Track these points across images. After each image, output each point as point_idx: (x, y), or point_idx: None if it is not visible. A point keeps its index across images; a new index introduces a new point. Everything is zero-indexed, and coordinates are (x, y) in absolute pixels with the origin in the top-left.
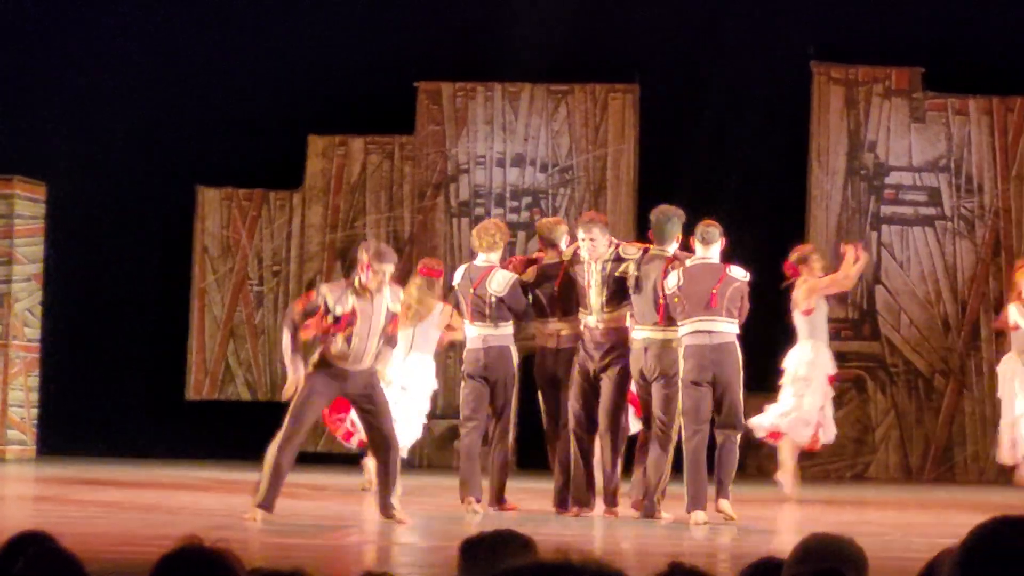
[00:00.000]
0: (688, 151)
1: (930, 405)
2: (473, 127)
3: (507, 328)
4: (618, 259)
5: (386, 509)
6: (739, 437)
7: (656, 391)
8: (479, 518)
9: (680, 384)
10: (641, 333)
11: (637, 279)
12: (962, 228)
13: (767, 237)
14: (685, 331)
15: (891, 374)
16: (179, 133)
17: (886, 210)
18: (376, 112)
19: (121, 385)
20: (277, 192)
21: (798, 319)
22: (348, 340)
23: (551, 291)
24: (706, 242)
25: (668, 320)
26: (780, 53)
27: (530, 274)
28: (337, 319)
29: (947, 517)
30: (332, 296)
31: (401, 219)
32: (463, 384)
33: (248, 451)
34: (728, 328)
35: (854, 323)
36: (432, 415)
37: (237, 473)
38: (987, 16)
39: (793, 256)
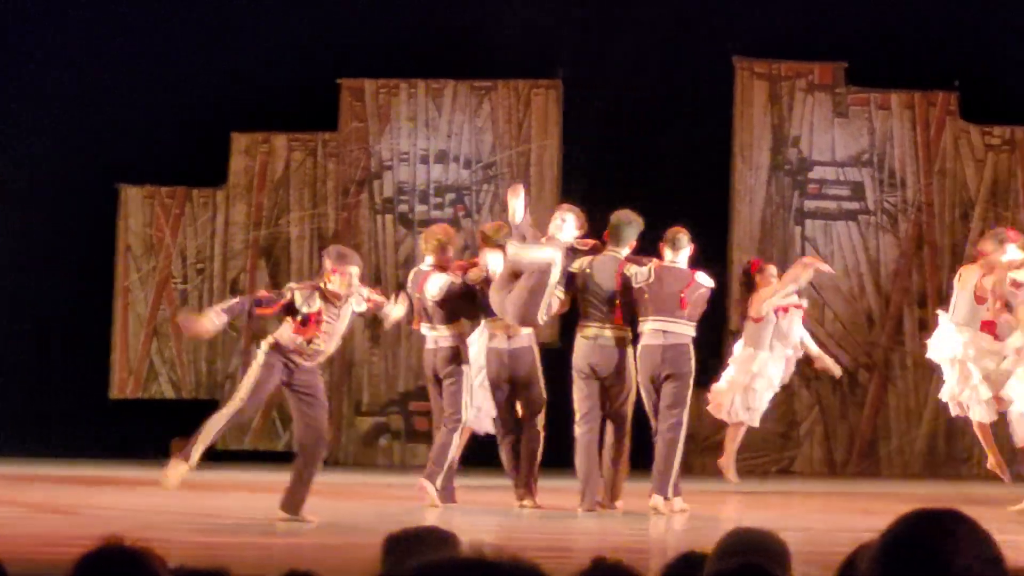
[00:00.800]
0: (611, 147)
1: (854, 399)
2: (396, 124)
3: (456, 328)
4: (573, 251)
5: (294, 507)
6: (682, 433)
7: (615, 387)
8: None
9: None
10: (591, 330)
11: (585, 276)
12: (885, 222)
13: (691, 233)
14: (646, 328)
15: (815, 369)
16: (101, 131)
17: (810, 205)
18: (299, 109)
19: (45, 385)
20: (200, 190)
21: (747, 324)
22: (309, 341)
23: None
24: (676, 248)
25: (626, 319)
26: (703, 48)
27: (475, 276)
28: (305, 319)
29: (871, 511)
30: (301, 295)
31: (325, 216)
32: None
33: (169, 449)
34: (687, 330)
35: None
36: (358, 412)
37: (161, 473)
38: (909, 10)
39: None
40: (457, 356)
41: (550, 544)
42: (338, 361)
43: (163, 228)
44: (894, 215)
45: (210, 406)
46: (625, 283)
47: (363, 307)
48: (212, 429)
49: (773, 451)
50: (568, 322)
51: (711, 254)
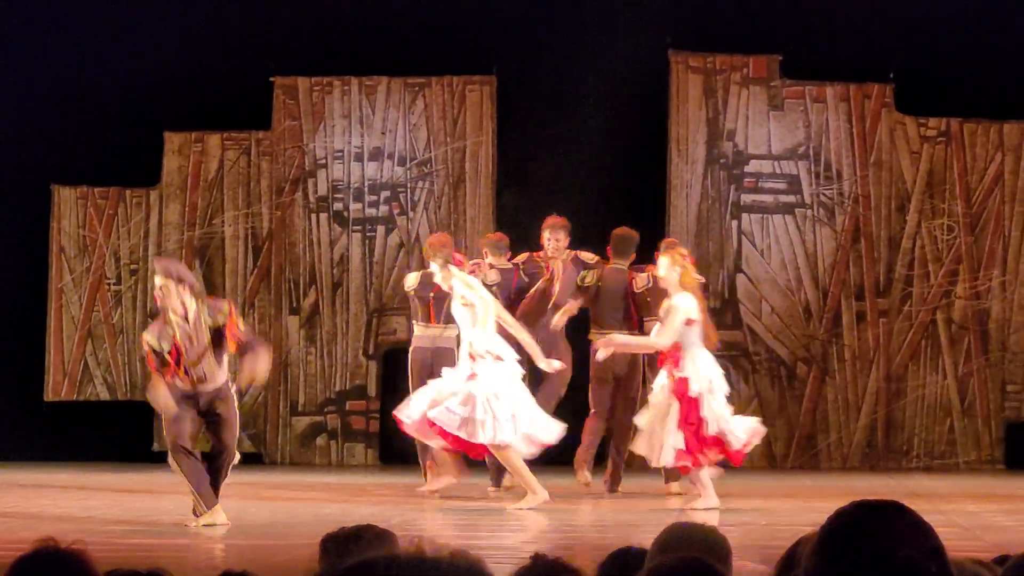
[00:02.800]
0: (547, 142)
1: (792, 393)
2: (330, 121)
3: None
4: (578, 262)
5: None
6: None
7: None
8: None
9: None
10: (602, 334)
11: (598, 287)
12: (822, 215)
13: (627, 228)
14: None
15: (753, 362)
16: (33, 132)
17: (746, 198)
18: (232, 108)
19: None
20: (134, 190)
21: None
22: (186, 371)
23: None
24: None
25: (637, 323)
26: (638, 42)
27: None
28: (165, 358)
29: (811, 504)
30: (153, 337)
31: (259, 215)
32: None
33: (109, 452)
34: None
35: (715, 311)
36: (294, 411)
37: (97, 475)
38: (843, 3)
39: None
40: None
41: (495, 542)
42: (274, 361)
43: (96, 229)
44: (831, 208)
45: (145, 408)
46: (633, 290)
47: (220, 319)
48: (184, 476)
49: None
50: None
51: (647, 249)
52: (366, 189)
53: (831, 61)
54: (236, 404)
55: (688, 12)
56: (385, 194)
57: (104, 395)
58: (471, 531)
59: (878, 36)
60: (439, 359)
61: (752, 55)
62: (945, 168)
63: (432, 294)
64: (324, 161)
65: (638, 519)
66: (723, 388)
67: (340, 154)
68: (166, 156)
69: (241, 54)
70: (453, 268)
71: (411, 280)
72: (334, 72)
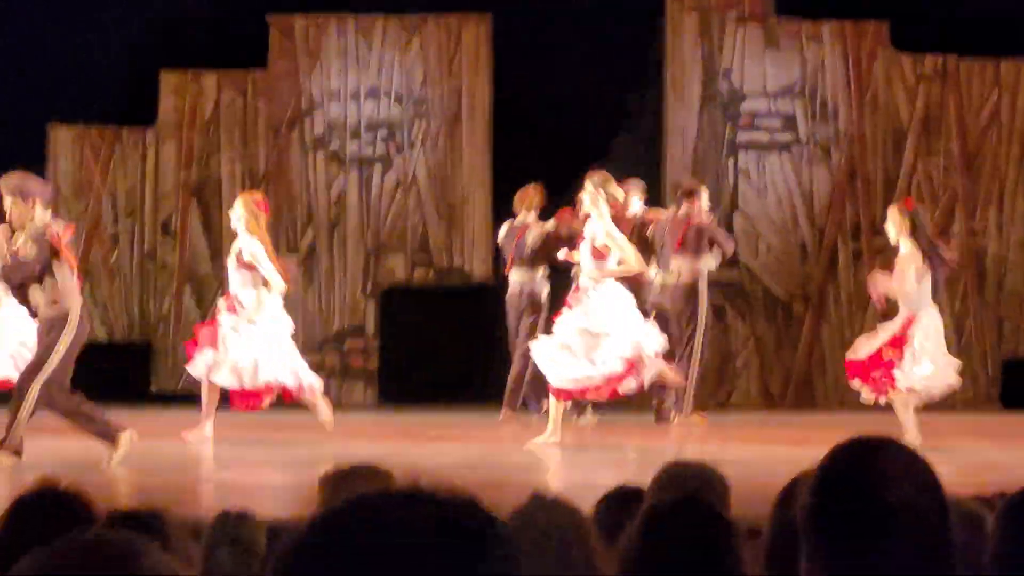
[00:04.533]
0: (542, 81)
1: (789, 332)
2: (326, 61)
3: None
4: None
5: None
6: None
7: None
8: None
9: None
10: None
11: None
12: (818, 154)
13: (624, 168)
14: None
15: (750, 301)
16: (29, 70)
17: (742, 137)
18: (228, 47)
19: None
20: (130, 129)
21: None
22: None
23: None
24: None
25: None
26: None
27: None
28: None
29: (808, 443)
30: None
31: (256, 155)
32: None
33: (104, 392)
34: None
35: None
36: None
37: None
38: None
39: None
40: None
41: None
42: None
43: (92, 170)
44: (827, 146)
45: (143, 348)
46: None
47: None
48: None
49: (710, 385)
50: None
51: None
52: (363, 128)
53: None
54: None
55: None
56: (381, 133)
57: (102, 335)
58: (476, 469)
59: None
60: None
61: None
62: (941, 107)
63: None
64: (320, 100)
65: (635, 458)
66: None
67: (336, 93)
68: (162, 96)
69: None
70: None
71: None
72: (330, 10)
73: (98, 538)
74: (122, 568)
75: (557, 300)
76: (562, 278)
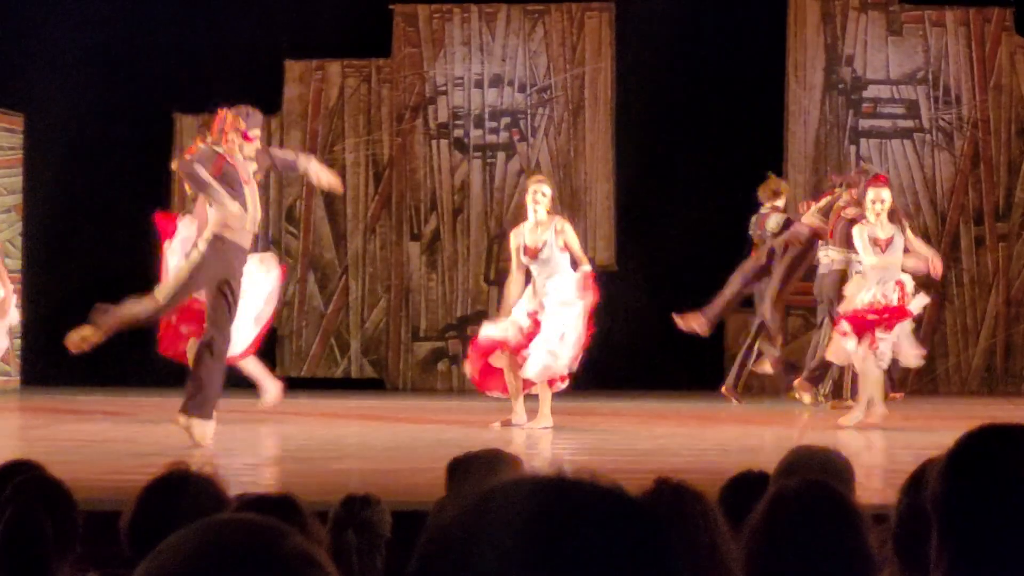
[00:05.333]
0: (665, 69)
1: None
2: (450, 49)
3: None
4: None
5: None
6: None
7: None
8: None
9: None
10: None
11: None
12: (940, 140)
13: (745, 154)
14: None
15: None
16: (155, 60)
17: (864, 124)
18: (352, 36)
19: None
20: None
21: None
22: None
23: None
24: None
25: None
26: None
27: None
28: None
29: (930, 429)
30: None
31: (380, 142)
32: None
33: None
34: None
35: None
36: (415, 337)
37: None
38: None
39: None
40: None
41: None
42: (395, 287)
43: None
44: (949, 132)
45: (268, 334)
46: None
47: None
48: None
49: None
50: None
51: (766, 175)
52: (486, 116)
53: None
54: None
55: None
56: (505, 120)
57: None
58: (589, 455)
59: None
60: None
61: None
62: None
63: None
64: (444, 88)
65: (758, 443)
66: None
67: (460, 81)
68: (287, 84)
69: None
70: None
71: None
72: (453, 0)
73: (242, 519)
74: (268, 550)
75: None
76: None
